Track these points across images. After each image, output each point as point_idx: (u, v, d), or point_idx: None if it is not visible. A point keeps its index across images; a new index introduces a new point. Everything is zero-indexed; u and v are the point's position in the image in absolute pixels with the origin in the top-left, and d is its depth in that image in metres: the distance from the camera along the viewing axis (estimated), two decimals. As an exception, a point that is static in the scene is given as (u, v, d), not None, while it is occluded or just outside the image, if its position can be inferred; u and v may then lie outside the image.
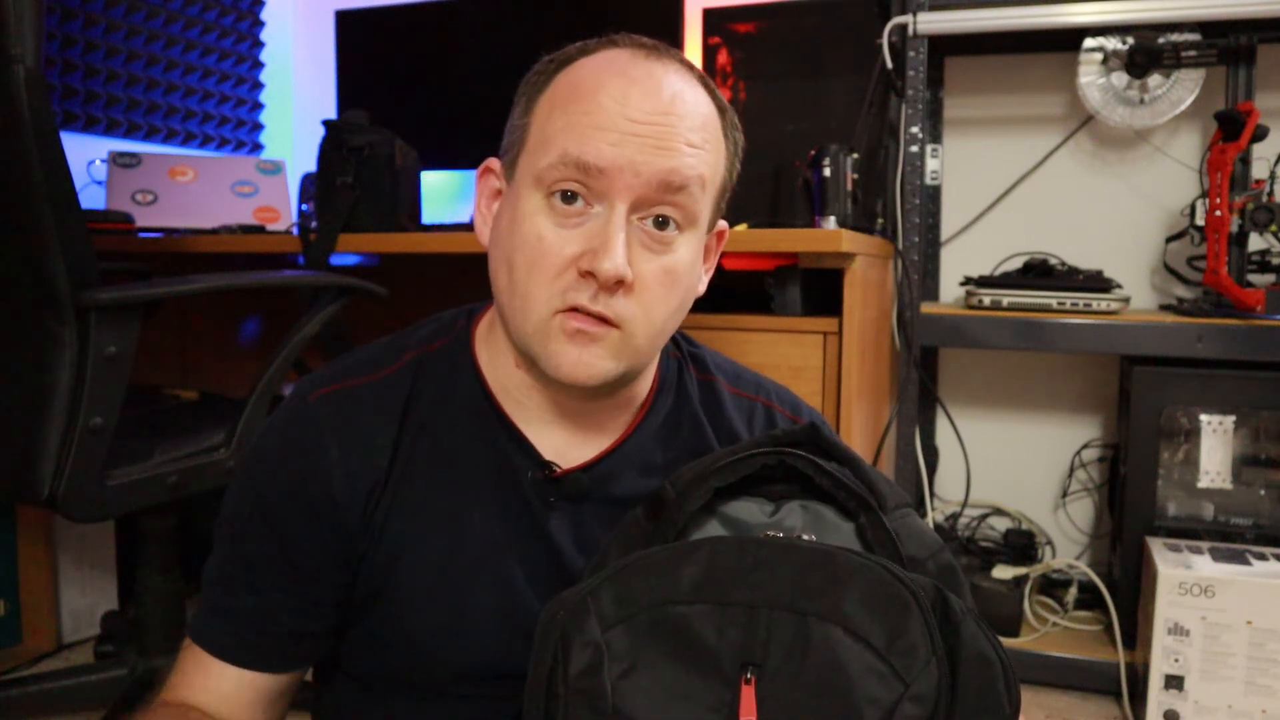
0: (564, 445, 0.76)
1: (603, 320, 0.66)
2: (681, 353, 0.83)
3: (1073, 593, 1.83)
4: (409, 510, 0.73)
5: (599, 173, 0.65)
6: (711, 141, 0.69)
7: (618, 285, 0.65)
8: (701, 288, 0.76)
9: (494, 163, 0.75)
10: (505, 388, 0.75)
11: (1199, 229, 1.73)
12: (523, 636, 0.68)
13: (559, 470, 0.75)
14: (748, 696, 0.53)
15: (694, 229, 0.70)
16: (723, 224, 0.78)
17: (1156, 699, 1.51)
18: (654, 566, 0.59)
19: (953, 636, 0.54)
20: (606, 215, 0.66)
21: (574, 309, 0.66)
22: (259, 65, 2.59)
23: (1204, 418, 1.68)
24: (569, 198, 0.66)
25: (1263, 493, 1.69)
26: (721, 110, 0.72)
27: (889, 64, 1.76)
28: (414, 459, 0.74)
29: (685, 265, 0.69)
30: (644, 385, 0.78)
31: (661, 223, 0.67)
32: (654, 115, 0.66)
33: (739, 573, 0.57)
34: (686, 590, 0.57)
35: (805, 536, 0.62)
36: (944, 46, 1.98)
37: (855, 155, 1.64)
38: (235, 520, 0.75)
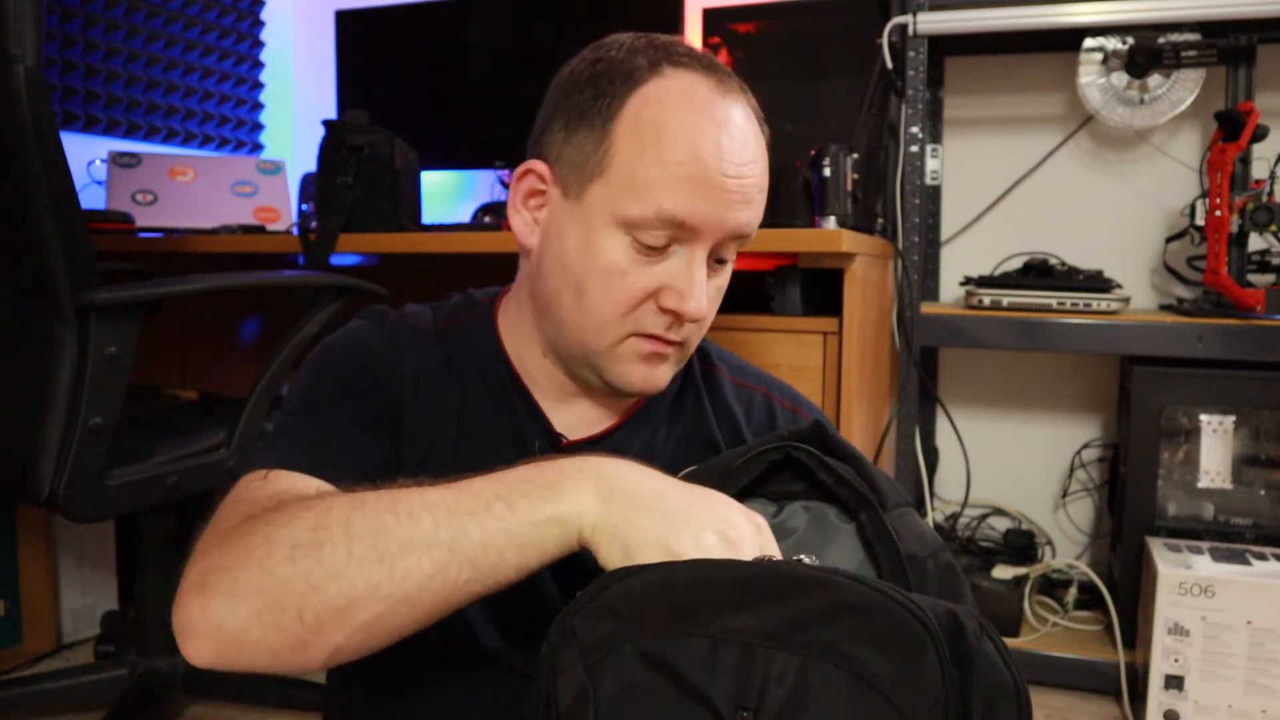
0: (576, 422, 0.80)
1: (673, 342, 0.73)
2: None
3: (1073, 593, 1.83)
4: (427, 455, 0.76)
5: (690, 228, 0.69)
6: (764, 162, 0.73)
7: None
8: None
9: (540, 167, 0.74)
10: (525, 366, 0.79)
11: (1199, 229, 1.73)
12: (514, 604, 0.67)
13: (566, 441, 0.78)
14: None
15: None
16: None
17: (1156, 699, 1.51)
18: (641, 590, 0.52)
19: (966, 664, 0.50)
20: (688, 257, 0.71)
21: (649, 336, 0.72)
22: (259, 65, 2.59)
23: (1204, 418, 1.68)
24: (656, 240, 0.70)
25: (1263, 493, 1.69)
26: (762, 121, 0.74)
27: (889, 64, 1.76)
28: (444, 412, 0.77)
29: (729, 277, 0.78)
30: None
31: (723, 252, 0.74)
32: (742, 169, 0.70)
33: (735, 601, 0.51)
34: (677, 620, 0.51)
35: (807, 558, 0.57)
36: (944, 46, 1.98)
37: (855, 155, 1.63)
38: (308, 397, 0.75)
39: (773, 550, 0.59)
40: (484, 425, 0.78)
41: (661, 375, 0.74)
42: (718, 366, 0.87)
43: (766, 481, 0.69)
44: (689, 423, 0.83)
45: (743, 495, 0.68)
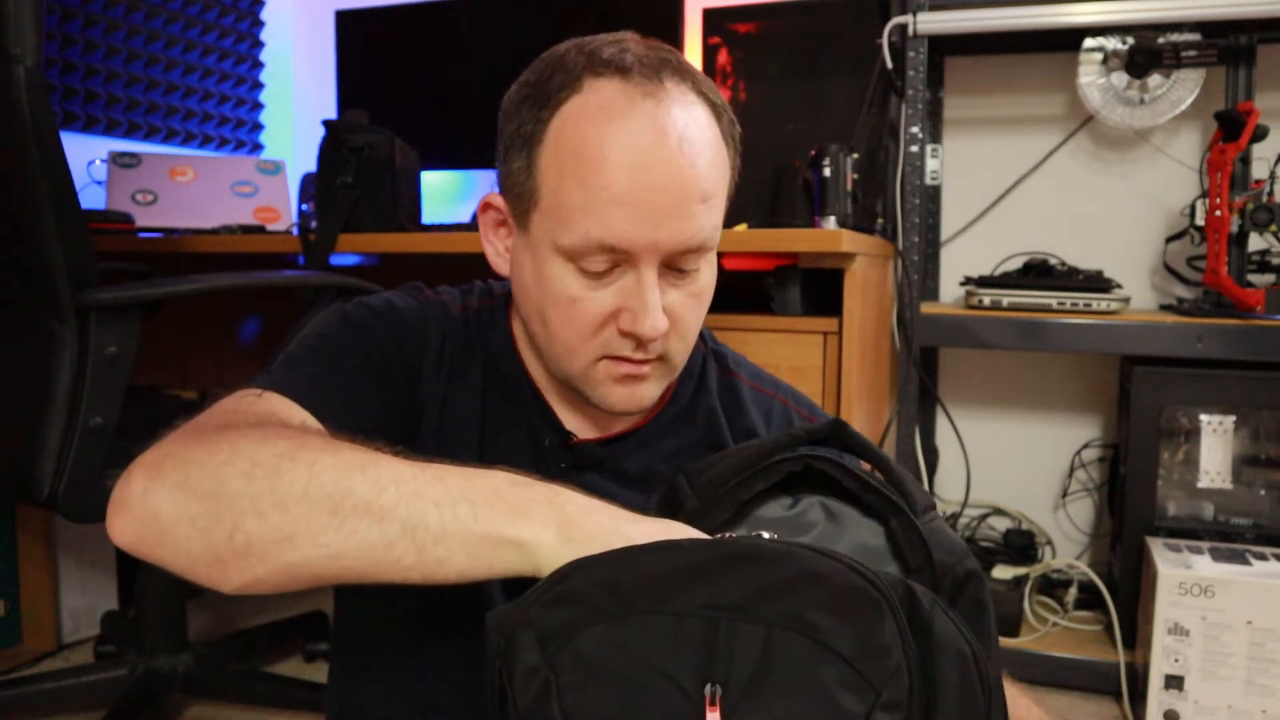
0: (584, 427, 0.80)
1: (647, 361, 0.71)
2: (706, 347, 0.86)
3: (1073, 593, 1.83)
4: (445, 431, 0.77)
5: (624, 251, 0.67)
6: (720, 165, 0.70)
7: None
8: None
9: (496, 200, 0.75)
10: (534, 368, 0.80)
11: (1199, 229, 1.73)
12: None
13: (576, 439, 0.78)
14: (712, 719, 0.48)
15: (712, 250, 0.72)
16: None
17: (1156, 699, 1.51)
18: (600, 576, 0.52)
19: (923, 632, 0.50)
20: (637, 278, 0.68)
21: (620, 358, 0.70)
22: (259, 65, 2.59)
23: (1204, 418, 1.68)
24: (594, 260, 0.68)
25: (1263, 493, 1.69)
26: (719, 115, 0.71)
27: (889, 64, 1.76)
28: (469, 396, 0.78)
29: (707, 281, 0.73)
30: None
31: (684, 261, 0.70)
32: (669, 175, 0.65)
33: (696, 578, 0.51)
34: (637, 600, 0.51)
35: (766, 534, 0.57)
36: (944, 46, 1.98)
37: (855, 155, 1.64)
38: (325, 336, 0.74)
39: None
40: (504, 415, 0.79)
41: (644, 393, 0.73)
42: (735, 373, 0.86)
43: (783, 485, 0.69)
44: (702, 429, 0.82)
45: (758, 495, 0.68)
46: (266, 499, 0.54)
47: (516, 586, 0.57)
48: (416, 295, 0.81)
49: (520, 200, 0.71)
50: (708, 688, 0.49)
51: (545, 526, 0.55)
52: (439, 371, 0.77)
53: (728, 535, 0.55)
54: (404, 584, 0.56)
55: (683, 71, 0.69)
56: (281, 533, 0.54)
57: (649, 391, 0.73)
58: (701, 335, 0.85)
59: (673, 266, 0.69)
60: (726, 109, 0.72)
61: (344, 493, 0.55)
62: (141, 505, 0.56)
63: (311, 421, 0.66)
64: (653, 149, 0.65)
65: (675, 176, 0.65)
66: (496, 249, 0.76)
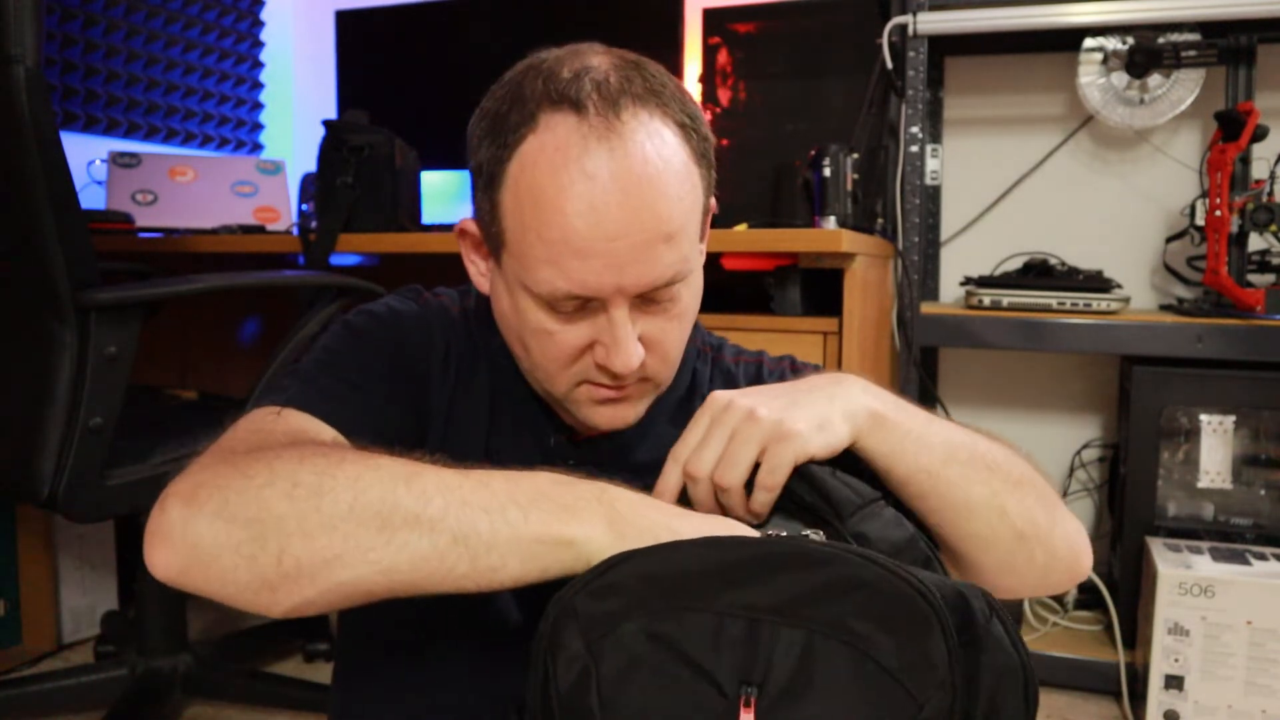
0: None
1: (625, 385, 0.71)
2: (700, 340, 0.87)
3: (1073, 592, 1.83)
4: (453, 435, 0.77)
5: (590, 298, 0.66)
6: (688, 193, 0.67)
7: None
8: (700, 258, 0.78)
9: (470, 226, 0.74)
10: None
11: (1199, 229, 1.73)
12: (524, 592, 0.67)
13: (580, 435, 0.78)
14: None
15: (690, 274, 0.70)
16: (710, 202, 0.78)
17: (1156, 699, 1.51)
18: (646, 568, 0.53)
19: (973, 644, 0.50)
20: (608, 317, 0.67)
21: (598, 384, 0.70)
22: (259, 65, 2.59)
23: (1204, 418, 1.68)
24: (567, 307, 0.67)
25: (1263, 493, 1.69)
26: (687, 135, 0.68)
27: (889, 64, 1.76)
28: (477, 398, 0.78)
29: (689, 298, 0.72)
30: None
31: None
32: (626, 223, 0.64)
33: (741, 577, 0.51)
34: (681, 596, 0.51)
35: (813, 534, 0.59)
36: (944, 46, 1.98)
37: (855, 155, 1.64)
38: (334, 350, 0.75)
39: None
40: (508, 414, 0.79)
41: (629, 413, 0.73)
42: (721, 354, 0.88)
43: None
44: None
45: None
46: (312, 519, 0.53)
47: (529, 593, 0.57)
48: (416, 298, 0.81)
49: (490, 238, 0.71)
50: (744, 689, 0.49)
51: (595, 524, 0.55)
52: (445, 374, 0.78)
53: (774, 535, 0.55)
54: (458, 592, 0.55)
55: (647, 93, 0.66)
56: (330, 552, 0.53)
57: (633, 411, 0.73)
58: (697, 326, 0.86)
59: (648, 299, 0.68)
60: (697, 122, 0.69)
61: (391, 507, 0.54)
62: (182, 537, 0.55)
63: (339, 436, 0.66)
64: (609, 197, 0.63)
65: (634, 223, 0.64)
66: (479, 268, 0.76)
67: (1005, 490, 0.69)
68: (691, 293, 0.72)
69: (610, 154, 0.63)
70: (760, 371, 0.86)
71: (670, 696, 0.50)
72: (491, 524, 0.54)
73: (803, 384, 0.69)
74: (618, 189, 0.63)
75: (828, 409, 0.66)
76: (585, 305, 0.67)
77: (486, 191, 0.69)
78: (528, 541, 0.54)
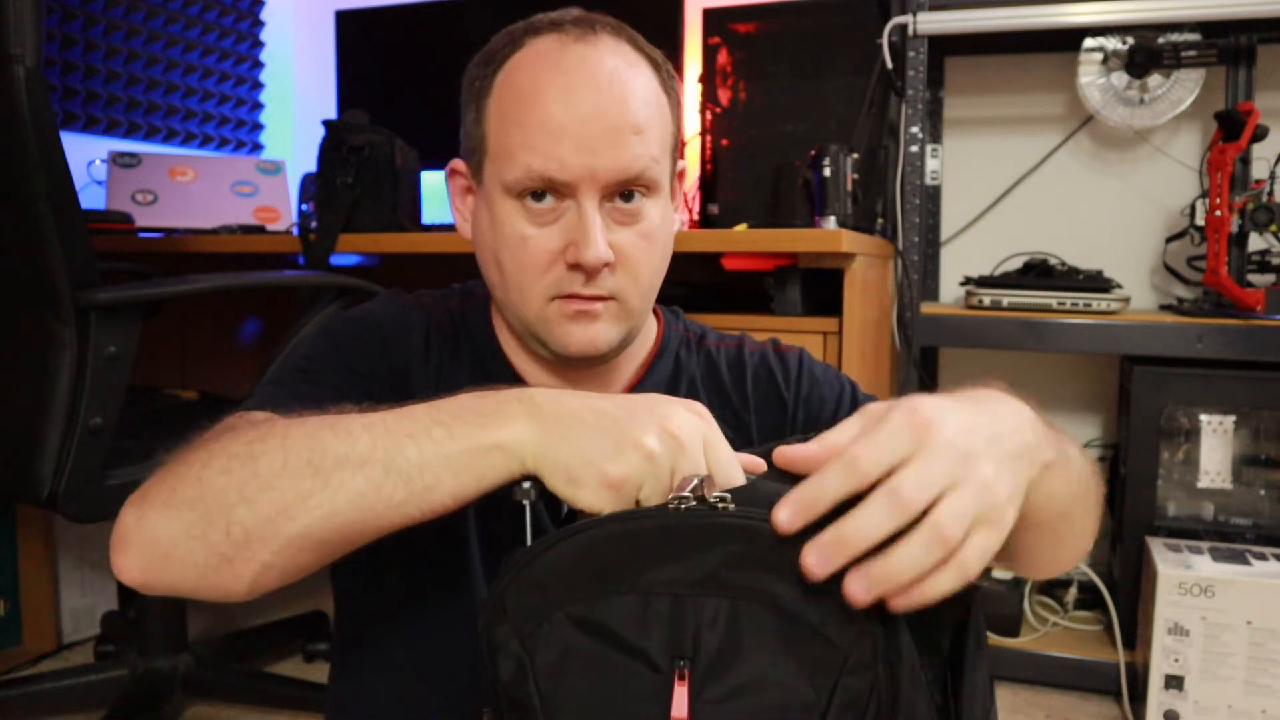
0: None
1: (598, 298, 0.73)
2: (684, 328, 0.89)
3: (1073, 593, 1.83)
4: None
5: (564, 182, 0.70)
6: (655, 105, 0.74)
7: (604, 267, 0.72)
8: (677, 226, 0.82)
9: (459, 164, 0.80)
10: (517, 362, 0.82)
11: (1199, 229, 1.73)
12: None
13: None
14: (680, 695, 0.49)
15: (658, 191, 0.75)
16: (682, 164, 0.83)
17: (1156, 699, 1.51)
18: (566, 556, 0.52)
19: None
20: (578, 210, 0.71)
21: (570, 295, 0.72)
22: (259, 65, 2.59)
23: (1204, 418, 1.68)
24: (540, 196, 0.71)
25: (1263, 493, 1.69)
26: (656, 66, 0.75)
27: (889, 64, 1.76)
28: (451, 384, 0.78)
29: (657, 224, 0.75)
30: (642, 347, 0.84)
31: (628, 196, 0.73)
32: (599, 107, 0.70)
33: (661, 555, 0.51)
34: (605, 580, 0.51)
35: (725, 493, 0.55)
36: (944, 46, 1.98)
37: (855, 155, 1.64)
38: (308, 356, 0.78)
39: (716, 439, 0.58)
40: None
41: (599, 333, 0.74)
42: (705, 340, 0.89)
43: None
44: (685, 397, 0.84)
45: None
46: (250, 485, 0.55)
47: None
48: (395, 299, 0.84)
49: (474, 154, 0.75)
50: (676, 663, 0.50)
51: (519, 423, 0.56)
52: (426, 366, 0.80)
53: (689, 492, 0.53)
54: (406, 524, 0.57)
55: (621, 30, 0.75)
56: (272, 509, 0.55)
57: (604, 333, 0.74)
58: (673, 311, 0.90)
59: (615, 200, 0.72)
60: (665, 64, 0.76)
61: (320, 453, 0.55)
62: (139, 534, 0.57)
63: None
64: (584, 83, 0.70)
65: (606, 108, 0.70)
66: (463, 214, 0.81)
67: (1093, 523, 0.71)
68: (659, 216, 0.75)
69: (585, 54, 0.71)
70: (741, 355, 0.88)
71: (606, 680, 0.50)
72: (419, 447, 0.55)
73: (986, 416, 0.54)
74: (590, 79, 0.70)
75: (1015, 471, 0.53)
76: (558, 205, 0.71)
77: (472, 108, 0.75)
78: (456, 455, 0.55)
